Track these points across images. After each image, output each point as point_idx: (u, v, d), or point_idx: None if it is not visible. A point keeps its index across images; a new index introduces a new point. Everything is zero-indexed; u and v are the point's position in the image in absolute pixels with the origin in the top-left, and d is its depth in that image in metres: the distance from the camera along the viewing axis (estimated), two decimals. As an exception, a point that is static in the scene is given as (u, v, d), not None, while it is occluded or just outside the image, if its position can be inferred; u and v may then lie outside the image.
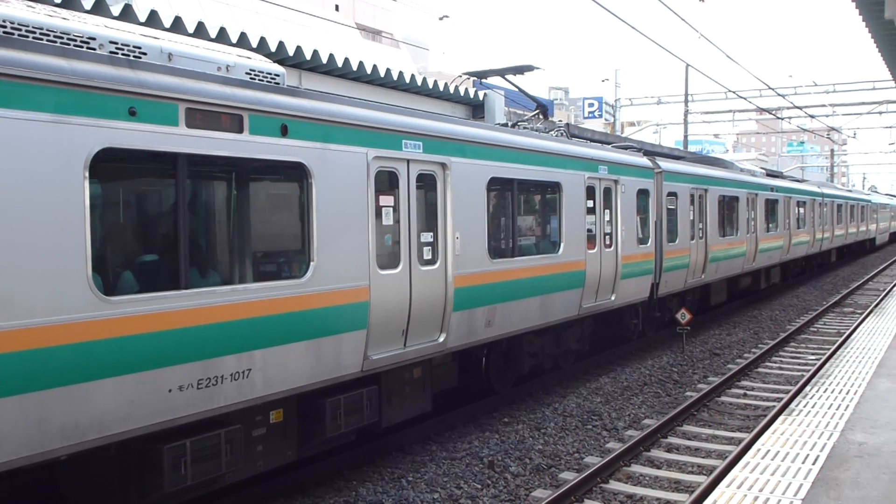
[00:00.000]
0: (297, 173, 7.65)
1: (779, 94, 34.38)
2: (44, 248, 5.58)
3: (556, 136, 13.10)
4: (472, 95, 18.61)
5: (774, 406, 12.21)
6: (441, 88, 17.47)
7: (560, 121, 17.81)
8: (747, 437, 10.59)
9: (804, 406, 9.15)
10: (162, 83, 6.37)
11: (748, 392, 13.64)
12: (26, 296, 5.47)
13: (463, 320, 9.90)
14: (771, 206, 24.66)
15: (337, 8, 33.12)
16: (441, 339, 9.60)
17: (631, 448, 10.08)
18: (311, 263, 7.67)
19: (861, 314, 22.02)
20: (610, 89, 38.85)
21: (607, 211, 13.84)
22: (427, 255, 9.34)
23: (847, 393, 9.74)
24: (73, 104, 5.77)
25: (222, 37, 11.77)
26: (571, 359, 14.21)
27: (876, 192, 76.40)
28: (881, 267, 40.13)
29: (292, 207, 7.97)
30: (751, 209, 22.28)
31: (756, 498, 6.29)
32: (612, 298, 13.98)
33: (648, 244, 15.50)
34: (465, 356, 11.14)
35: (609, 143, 16.77)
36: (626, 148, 16.32)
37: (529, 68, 13.70)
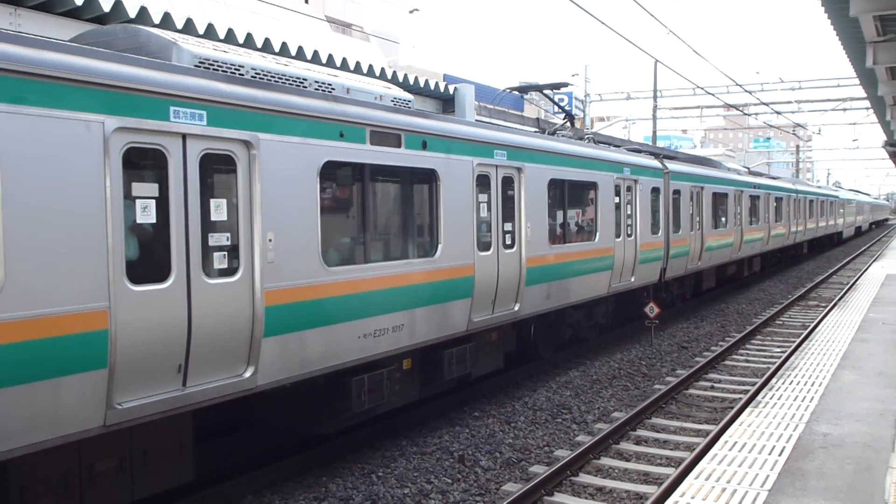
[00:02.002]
0: (430, 177, 9.90)
1: (746, 91, 34.69)
2: (300, 231, 7.77)
3: (587, 142, 15.66)
4: (442, 90, 18.58)
5: (741, 398, 12.35)
6: (411, 82, 17.42)
7: (538, 118, 18.60)
8: (715, 429, 10.70)
9: (770, 398, 9.26)
10: (357, 113, 8.61)
11: (715, 385, 13.78)
12: (291, 265, 7.61)
13: (531, 293, 12.05)
14: (753, 201, 27.26)
15: (307, 0, 32.88)
16: (516, 309, 11.70)
17: (600, 441, 10.14)
18: (440, 245, 9.94)
19: (825, 307, 22.33)
20: (580, 84, 38.98)
21: (629, 206, 16.19)
22: (508, 241, 11.53)
23: (812, 385, 9.88)
24: (311, 130, 7.94)
25: (189, 27, 11.65)
26: (597, 331, 16.40)
27: (840, 187, 77.63)
28: (845, 261, 40.75)
29: (429, 203, 10.01)
30: (737, 204, 24.77)
31: (724, 489, 6.35)
32: (632, 280, 16.34)
33: (659, 234, 17.85)
34: (521, 326, 13.21)
35: (619, 146, 18.96)
36: (639, 151, 18.83)
37: (564, 84, 17.13)
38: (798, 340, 16.80)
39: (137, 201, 6.31)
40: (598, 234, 14.48)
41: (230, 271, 7.06)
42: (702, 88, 33.77)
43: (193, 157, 6.70)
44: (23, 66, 5.47)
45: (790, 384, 9.94)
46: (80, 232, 5.82)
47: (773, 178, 35.79)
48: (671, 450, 10.29)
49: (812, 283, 29.28)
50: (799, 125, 47.28)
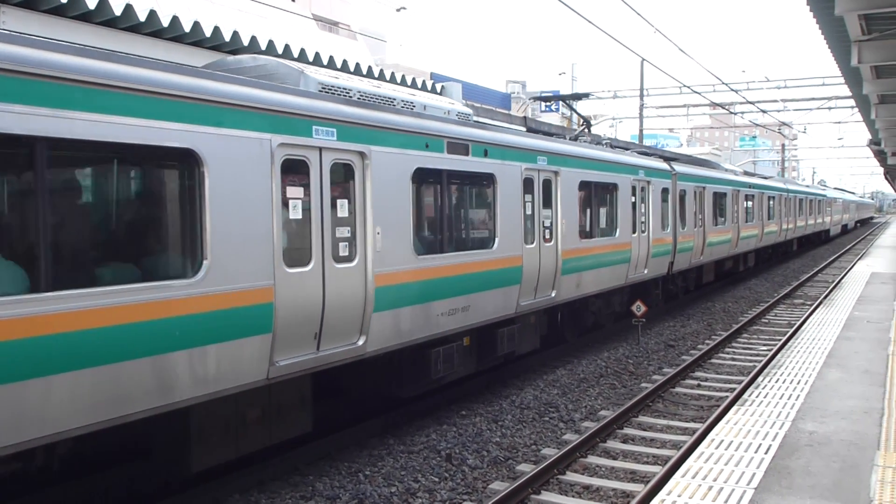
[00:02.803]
0: (490, 181, 11.49)
1: (732, 90, 34.84)
2: (399, 225, 9.37)
3: (605, 147, 17.02)
4: (429, 88, 18.55)
5: (727, 396, 12.40)
6: (398, 81, 17.39)
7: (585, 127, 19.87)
8: (701, 427, 10.73)
9: (756, 396, 9.29)
10: (437, 127, 10.28)
11: (702, 383, 13.83)
12: (392, 254, 9.16)
13: (565, 282, 13.60)
14: (749, 201, 28.95)
15: (293, -2, 32.70)
16: (553, 295, 13.31)
17: (587, 439, 10.15)
18: (497, 238, 11.50)
19: (811, 305, 22.46)
20: (567, 83, 39.03)
21: (643, 205, 17.69)
22: (547, 235, 13.10)
23: (798, 383, 9.92)
24: (406, 142, 9.51)
25: (174, 26, 11.59)
26: (613, 318, 17.76)
27: (825, 186, 78.08)
28: (830, 259, 40.97)
29: (489, 202, 11.61)
30: (734, 203, 26.33)
31: (710, 487, 6.36)
32: (645, 272, 17.93)
33: (668, 231, 19.38)
34: (552, 312, 14.59)
35: (628, 149, 20.41)
36: (648, 154, 20.31)
37: (586, 95, 19.93)
38: (784, 339, 16.88)
39: (290, 201, 7.93)
40: (617, 230, 16.13)
41: (350, 258, 8.66)
42: (688, 87, 33.90)
43: (326, 165, 8.34)
44: (223, 98, 7.14)
45: (776, 382, 9.98)
46: (256, 224, 7.43)
47: (765, 177, 37.15)
48: (658, 448, 10.31)
49: (798, 282, 29.43)
50: (784, 124, 47.50)
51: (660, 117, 43.51)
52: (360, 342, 8.81)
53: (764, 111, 40.37)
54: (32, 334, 5.63)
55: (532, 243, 12.53)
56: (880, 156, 43.64)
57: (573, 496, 8.66)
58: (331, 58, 14.97)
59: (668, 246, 19.36)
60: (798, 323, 18.99)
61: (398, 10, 35.31)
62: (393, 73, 17.47)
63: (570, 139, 16.16)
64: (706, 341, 17.74)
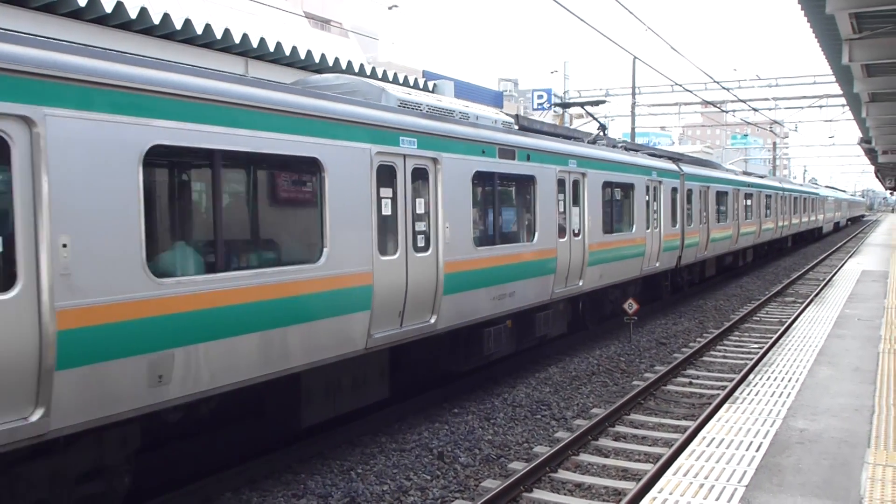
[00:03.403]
0: (531, 182, 12.92)
1: (723, 88, 34.89)
2: (462, 220, 10.83)
3: (620, 150, 18.55)
4: (421, 86, 18.53)
5: (719, 394, 12.43)
6: (391, 78, 17.37)
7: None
8: (693, 425, 10.75)
9: (748, 394, 9.31)
10: (490, 136, 11.79)
11: (693, 381, 13.86)
12: (457, 245, 10.68)
13: (590, 273, 15.02)
14: (748, 199, 30.59)
15: (285, -4, 32.59)
16: (580, 284, 14.74)
17: (579, 437, 10.16)
18: (536, 233, 12.90)
19: (802, 303, 22.53)
20: (559, 81, 39.02)
21: (655, 203, 19.23)
22: (576, 230, 14.51)
23: (789, 381, 9.94)
24: (467, 149, 11.03)
25: (165, 23, 11.56)
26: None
27: (816, 184, 78.31)
28: (821, 257, 41.11)
29: (531, 200, 12.95)
30: (735, 202, 28.01)
31: (702, 485, 6.37)
32: (657, 265, 19.54)
33: (677, 227, 20.93)
34: (575, 301, 15.76)
35: (638, 151, 21.34)
36: (659, 156, 21.59)
37: (602, 101, 21.87)
38: (775, 337, 16.93)
39: (382, 200, 9.35)
40: (634, 226, 17.73)
41: (426, 248, 10.18)
42: (680, 85, 33.94)
43: (409, 170, 9.86)
44: (339, 115, 8.64)
45: (767, 380, 10.00)
46: (360, 219, 8.94)
47: (761, 177, 38.32)
48: (650, 446, 10.33)
49: (789, 280, 29.52)
50: (776, 122, 47.63)
51: (651, 115, 43.53)
52: (433, 320, 10.29)
53: (755, 109, 40.43)
54: (218, 305, 7.12)
55: (564, 237, 13.99)
56: (871, 154, 43.81)
57: (565, 494, 8.67)
58: (322, 55, 14.94)
59: (677, 241, 20.97)
60: (789, 321, 19.05)
61: (390, 8, 35.25)
62: (385, 71, 17.44)
63: (588, 142, 17.27)
64: (698, 339, 17.78)
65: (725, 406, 8.82)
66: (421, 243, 10.08)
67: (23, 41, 5.84)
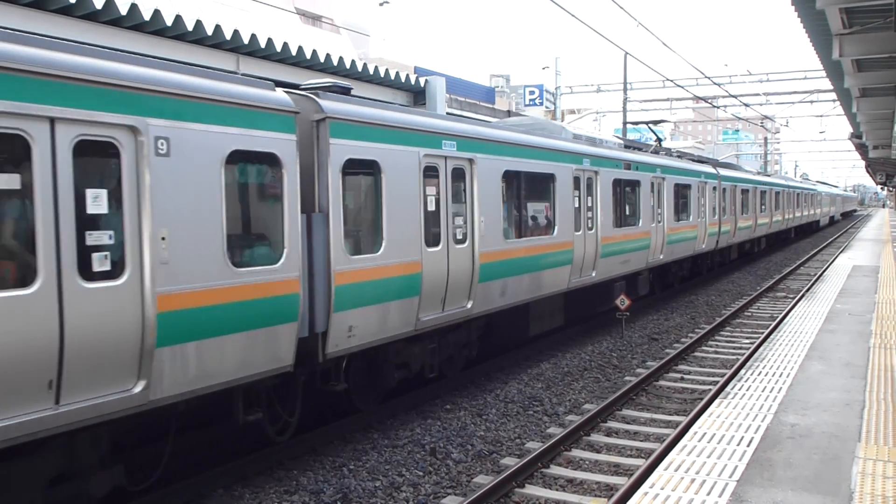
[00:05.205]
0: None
1: (715, 83, 34.95)
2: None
3: (673, 156, 22.09)
4: (413, 82, 18.51)
5: (710, 389, 12.46)
6: (382, 74, 17.35)
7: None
8: (684, 420, 10.78)
9: (739, 389, 9.33)
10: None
11: (685, 376, 13.89)
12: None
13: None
14: (763, 195, 34.99)
15: (276, -8, 32.42)
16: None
17: (571, 433, 10.18)
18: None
19: (793, 298, 22.58)
20: (550, 77, 39.02)
21: (702, 199, 23.73)
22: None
23: (780, 376, 9.97)
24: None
25: (156, 19, 11.51)
26: (680, 280, 23.30)
27: (807, 179, 78.60)
28: (812, 252, 41.24)
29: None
30: (754, 198, 32.63)
31: (693, 480, 6.39)
32: (703, 246, 23.85)
33: (715, 218, 25.72)
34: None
35: (682, 156, 25.69)
36: (703, 162, 26.78)
37: (663, 120, 28.65)
38: (766, 332, 16.98)
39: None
40: (691, 216, 22.47)
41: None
42: (671, 81, 33.99)
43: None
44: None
45: (759, 375, 10.03)
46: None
47: (768, 175, 44.16)
48: (641, 441, 10.35)
49: (780, 275, 29.60)
50: (767, 117, 47.76)
51: (643, 111, 43.50)
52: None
53: (747, 105, 40.54)
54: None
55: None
56: (862, 149, 43.90)
57: (557, 489, 8.68)
58: (314, 52, 14.90)
59: (716, 228, 25.88)
60: (780, 316, 19.11)
61: (381, 4, 35.13)
62: (377, 67, 17.40)
63: (651, 152, 20.13)
64: (689, 334, 17.81)
65: (717, 401, 8.84)
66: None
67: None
